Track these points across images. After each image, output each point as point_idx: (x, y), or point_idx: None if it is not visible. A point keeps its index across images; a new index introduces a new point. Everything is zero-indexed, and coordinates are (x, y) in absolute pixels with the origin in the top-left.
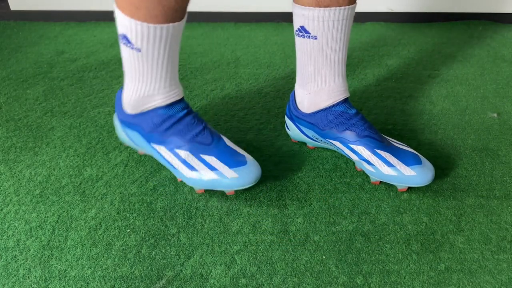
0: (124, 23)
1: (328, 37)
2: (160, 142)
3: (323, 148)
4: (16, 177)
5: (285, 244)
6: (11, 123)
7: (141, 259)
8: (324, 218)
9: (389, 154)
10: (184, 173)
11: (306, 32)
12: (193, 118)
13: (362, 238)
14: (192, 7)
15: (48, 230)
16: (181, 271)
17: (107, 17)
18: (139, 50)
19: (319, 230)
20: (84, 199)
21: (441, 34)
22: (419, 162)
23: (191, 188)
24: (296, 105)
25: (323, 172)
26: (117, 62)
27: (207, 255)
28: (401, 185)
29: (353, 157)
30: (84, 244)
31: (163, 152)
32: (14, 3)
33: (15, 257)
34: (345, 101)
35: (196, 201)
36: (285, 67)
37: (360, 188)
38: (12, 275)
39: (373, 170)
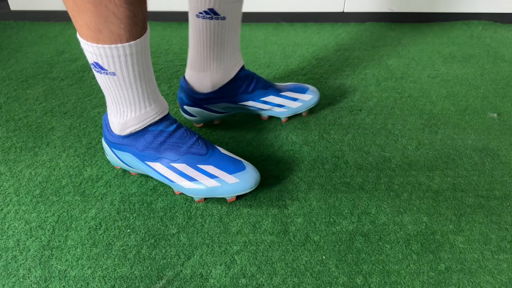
0: (92, 51)
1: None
2: (155, 159)
3: (323, 148)
4: (16, 177)
5: (285, 244)
6: (11, 123)
7: (141, 259)
8: (324, 218)
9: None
10: (182, 184)
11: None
12: (185, 131)
13: (362, 238)
14: None
15: (48, 230)
16: (181, 271)
17: None
18: (114, 74)
19: (319, 230)
20: (84, 199)
21: (441, 34)
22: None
23: None
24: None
25: (323, 172)
26: None
27: (207, 255)
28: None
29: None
30: (84, 244)
31: (158, 169)
32: (14, 3)
33: (15, 257)
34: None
35: (196, 201)
36: (285, 67)
37: (360, 188)
38: (12, 275)
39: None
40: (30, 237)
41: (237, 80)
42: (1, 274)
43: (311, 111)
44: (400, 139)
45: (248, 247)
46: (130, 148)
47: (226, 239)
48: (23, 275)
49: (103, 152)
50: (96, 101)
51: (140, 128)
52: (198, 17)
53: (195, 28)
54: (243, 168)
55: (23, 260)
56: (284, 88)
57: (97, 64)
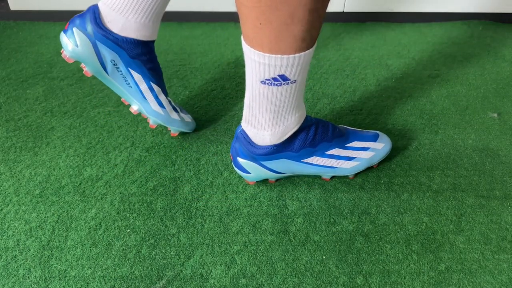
0: (281, 64)
1: None
2: (310, 154)
3: None
4: (16, 177)
5: (285, 244)
6: (11, 123)
7: (141, 259)
8: (324, 218)
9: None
10: (344, 166)
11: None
12: (321, 119)
13: (362, 238)
14: (192, 7)
15: (48, 230)
16: (181, 271)
17: None
18: (295, 81)
19: (319, 230)
20: (84, 199)
21: (441, 34)
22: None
23: (191, 188)
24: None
25: None
26: None
27: (207, 255)
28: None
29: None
30: (84, 244)
31: (316, 161)
32: (14, 3)
33: (15, 257)
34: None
35: (196, 201)
36: None
37: (360, 188)
38: (12, 275)
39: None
40: (30, 237)
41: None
42: (1, 274)
43: (312, 111)
44: (400, 139)
45: (248, 247)
46: (284, 153)
47: (226, 239)
48: (23, 275)
49: (103, 152)
50: (96, 101)
51: (297, 128)
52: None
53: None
54: (376, 134)
55: (23, 260)
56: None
57: (281, 77)
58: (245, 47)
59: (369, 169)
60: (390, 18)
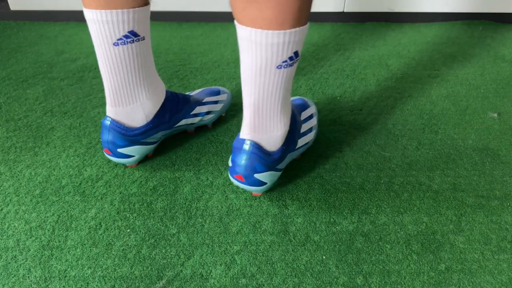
0: (295, 40)
1: None
2: (296, 139)
3: (323, 148)
4: (16, 177)
5: (285, 244)
6: (11, 123)
7: (141, 259)
8: (324, 218)
9: None
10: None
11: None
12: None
13: (362, 238)
14: (192, 7)
15: (48, 230)
16: (181, 271)
17: None
18: (299, 58)
19: (319, 230)
20: (84, 199)
21: (441, 34)
22: None
23: (191, 188)
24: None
25: (323, 172)
26: None
27: (207, 255)
28: None
29: None
30: (84, 244)
31: (300, 143)
32: (14, 3)
33: (15, 257)
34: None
35: (196, 201)
36: None
37: (360, 188)
38: (12, 275)
39: None
40: (30, 237)
41: (167, 102)
42: (1, 274)
43: None
44: (400, 139)
45: (248, 247)
46: (287, 149)
47: (226, 239)
48: (23, 275)
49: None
50: (96, 101)
51: (290, 113)
52: (117, 45)
53: (114, 58)
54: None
55: (23, 260)
56: (202, 95)
57: (295, 53)
58: (262, 34)
59: (369, 169)
60: (390, 18)
